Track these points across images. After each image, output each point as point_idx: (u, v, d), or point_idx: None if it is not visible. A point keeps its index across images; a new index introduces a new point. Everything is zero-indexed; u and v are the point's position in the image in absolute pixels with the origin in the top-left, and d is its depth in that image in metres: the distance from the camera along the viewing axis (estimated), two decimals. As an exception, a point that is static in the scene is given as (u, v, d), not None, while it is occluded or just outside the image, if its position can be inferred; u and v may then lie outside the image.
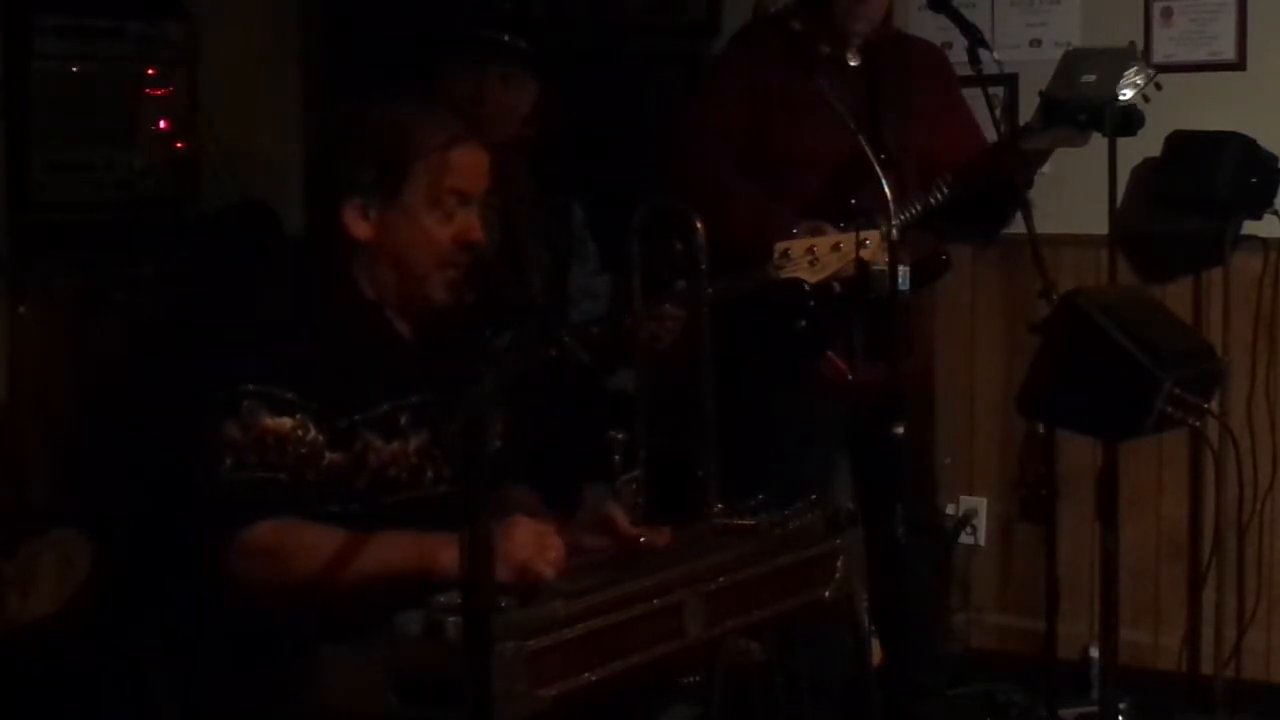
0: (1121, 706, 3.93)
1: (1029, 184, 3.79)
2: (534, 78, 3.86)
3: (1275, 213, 4.27)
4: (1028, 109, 3.97)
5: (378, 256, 2.58)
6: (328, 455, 2.48)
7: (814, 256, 3.38)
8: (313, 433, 2.45)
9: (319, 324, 2.52)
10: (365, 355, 2.55)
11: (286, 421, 2.43)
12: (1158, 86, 3.74)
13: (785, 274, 3.40)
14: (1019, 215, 3.63)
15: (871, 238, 3.25)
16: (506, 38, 3.87)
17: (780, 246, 3.39)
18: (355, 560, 2.33)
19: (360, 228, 2.55)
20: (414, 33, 4.44)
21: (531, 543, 2.27)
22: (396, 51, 4.34)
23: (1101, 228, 4.07)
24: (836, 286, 3.37)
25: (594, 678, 2.08)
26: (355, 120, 2.61)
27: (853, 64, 3.77)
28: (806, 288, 3.41)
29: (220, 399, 2.43)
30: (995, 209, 3.78)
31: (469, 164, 2.60)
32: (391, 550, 2.34)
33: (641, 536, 2.45)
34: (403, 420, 2.56)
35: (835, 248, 3.37)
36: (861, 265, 3.25)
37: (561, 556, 2.30)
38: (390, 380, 2.57)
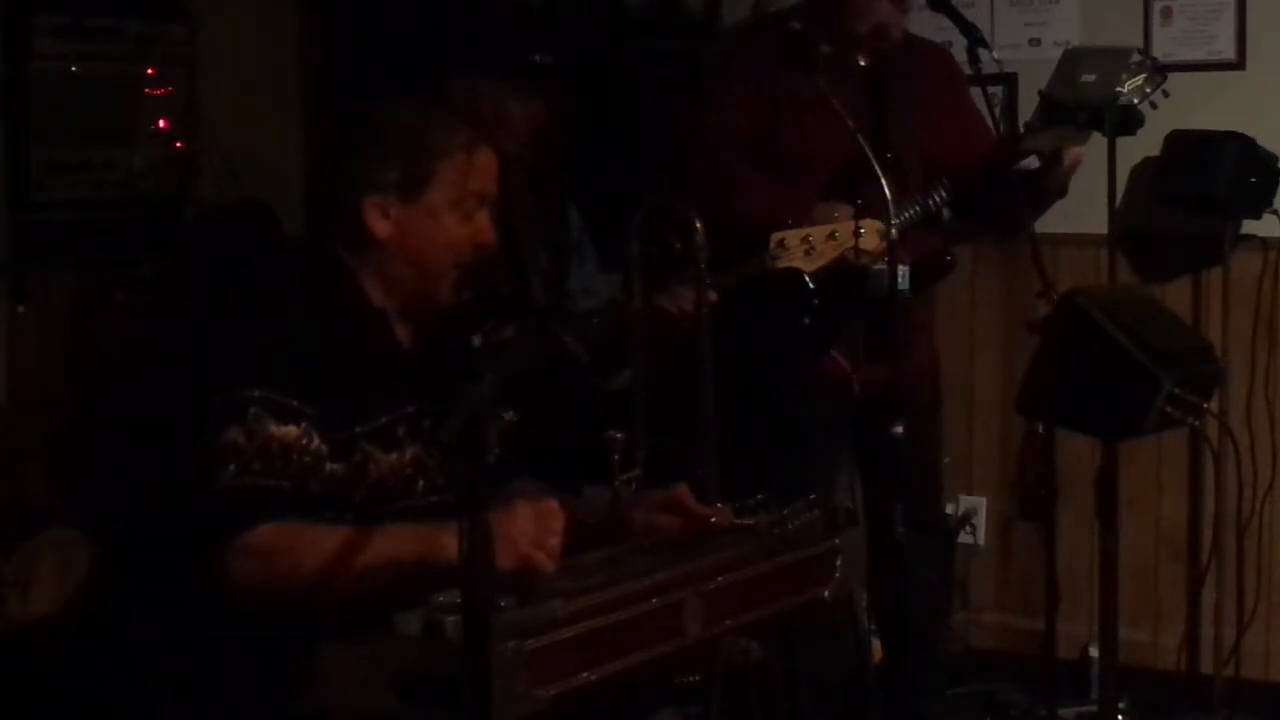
0: (1121, 706, 3.93)
1: (1062, 191, 3.75)
2: (553, 93, 3.86)
3: (1275, 212, 4.27)
4: (1027, 109, 3.96)
5: (392, 255, 2.57)
6: (329, 466, 2.47)
7: (810, 246, 3.38)
8: (316, 442, 2.45)
9: (325, 332, 2.51)
10: (368, 365, 2.54)
11: (292, 430, 2.42)
12: (1165, 94, 3.73)
13: (781, 264, 3.40)
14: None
15: (868, 226, 3.25)
16: (538, 58, 3.86)
17: (776, 237, 3.40)
18: (359, 554, 2.33)
19: (380, 225, 2.55)
20: (438, 43, 4.44)
21: (531, 531, 2.27)
22: (416, 58, 4.34)
23: (1101, 227, 4.07)
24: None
25: (593, 677, 2.08)
26: (373, 119, 2.61)
27: (861, 64, 3.76)
28: (810, 285, 3.42)
29: (225, 403, 2.42)
30: (1005, 208, 3.77)
31: (488, 166, 2.61)
32: (394, 541, 2.34)
33: (712, 516, 2.47)
34: (400, 431, 2.56)
35: (831, 236, 3.37)
36: (858, 253, 3.25)
37: (559, 542, 2.29)
38: (390, 391, 2.56)
